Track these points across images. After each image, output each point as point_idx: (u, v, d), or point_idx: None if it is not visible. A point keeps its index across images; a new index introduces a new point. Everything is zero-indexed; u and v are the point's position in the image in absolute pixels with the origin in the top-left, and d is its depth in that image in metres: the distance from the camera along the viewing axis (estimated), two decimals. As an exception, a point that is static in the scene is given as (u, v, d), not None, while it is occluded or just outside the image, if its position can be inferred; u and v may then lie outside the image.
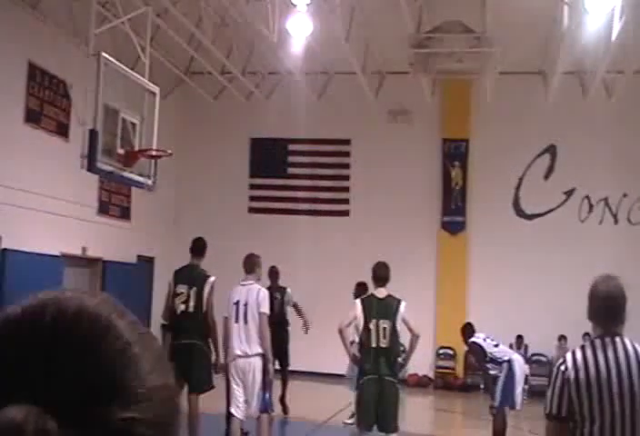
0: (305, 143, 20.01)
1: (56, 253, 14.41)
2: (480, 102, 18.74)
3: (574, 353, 3.94)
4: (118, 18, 12.25)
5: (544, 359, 18.05)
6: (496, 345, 10.65)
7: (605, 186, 18.69)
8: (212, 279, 9.27)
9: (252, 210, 20.34)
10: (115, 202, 17.18)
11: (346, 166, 20.04)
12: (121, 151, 10.70)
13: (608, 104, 18.06)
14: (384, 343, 8.18)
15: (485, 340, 10.68)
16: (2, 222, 12.91)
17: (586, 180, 18.78)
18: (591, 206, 19.06)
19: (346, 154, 20.02)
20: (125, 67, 10.99)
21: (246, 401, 8.80)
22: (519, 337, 17.77)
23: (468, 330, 11.00)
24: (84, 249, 15.79)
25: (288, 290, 12.78)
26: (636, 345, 3.92)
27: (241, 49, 17.31)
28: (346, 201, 19.98)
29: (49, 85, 14.49)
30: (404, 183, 19.42)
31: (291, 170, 20.35)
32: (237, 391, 8.81)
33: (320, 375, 17.18)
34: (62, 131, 14.78)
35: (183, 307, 9.20)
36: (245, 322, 8.78)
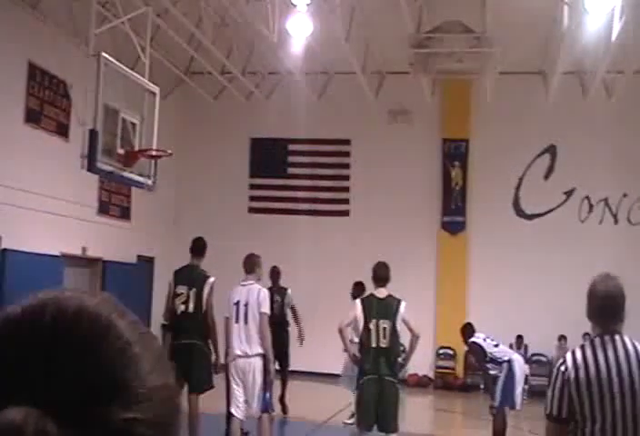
0: (304, 143, 20.01)
1: (56, 253, 14.41)
2: (480, 102, 18.74)
3: (573, 353, 3.93)
4: (118, 18, 12.25)
5: (544, 359, 18.05)
6: (496, 345, 10.65)
7: (605, 186, 18.69)
8: (211, 279, 9.27)
9: (252, 210, 20.34)
10: (114, 202, 17.18)
11: (346, 166, 20.05)
12: (121, 151, 10.70)
13: (608, 104, 18.06)
14: (384, 343, 8.18)
15: (484, 340, 10.68)
16: (2, 222, 12.91)
17: (586, 180, 18.78)
18: (591, 206, 19.06)
19: (346, 154, 20.02)
20: (124, 67, 10.99)
21: (246, 402, 8.80)
22: (519, 337, 17.77)
23: (468, 330, 11.00)
24: (84, 249, 15.79)
25: (289, 291, 12.78)
26: (636, 343, 3.90)
27: (241, 49, 17.31)
28: (346, 201, 19.98)
29: (49, 85, 14.49)
30: (404, 183, 19.42)
31: (291, 170, 20.35)
32: (237, 392, 8.81)
33: (320, 375, 17.16)
34: (62, 131, 14.78)
35: (183, 308, 9.21)
36: (246, 322, 8.78)
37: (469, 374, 18.25)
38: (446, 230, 19.45)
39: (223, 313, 8.97)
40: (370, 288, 9.05)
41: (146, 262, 18.42)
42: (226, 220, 19.67)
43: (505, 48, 15.44)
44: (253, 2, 13.80)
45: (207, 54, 16.67)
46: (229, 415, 9.04)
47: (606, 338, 3.90)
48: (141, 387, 0.76)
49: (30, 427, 0.70)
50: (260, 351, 8.79)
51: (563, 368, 3.88)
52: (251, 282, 8.98)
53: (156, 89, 11.75)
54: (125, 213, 17.58)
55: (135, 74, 11.31)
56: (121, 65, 10.83)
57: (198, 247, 9.62)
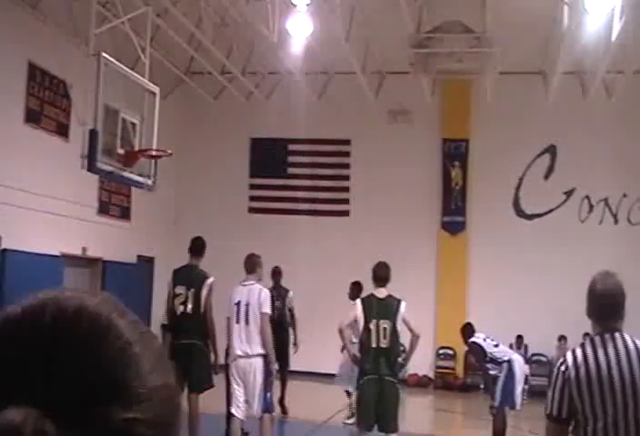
0: (304, 143, 20.01)
1: (56, 253, 14.41)
2: (480, 102, 18.74)
3: (573, 352, 3.92)
4: (118, 18, 12.25)
5: (544, 359, 18.05)
6: (496, 345, 10.65)
7: (604, 186, 18.69)
8: (210, 280, 9.25)
9: (252, 210, 20.34)
10: (114, 202, 17.18)
11: (346, 166, 20.05)
12: (121, 151, 10.70)
13: (608, 104, 18.06)
14: (384, 343, 8.18)
15: (484, 340, 10.68)
16: (2, 222, 12.91)
17: (586, 180, 18.78)
18: (591, 206, 19.06)
19: (346, 154, 20.02)
20: (124, 67, 10.99)
21: (247, 402, 8.80)
22: (519, 337, 17.77)
23: (468, 330, 11.00)
24: (84, 249, 15.79)
25: (290, 293, 12.77)
26: (637, 341, 3.89)
27: (241, 49, 17.31)
28: (346, 201, 19.98)
29: (49, 85, 14.49)
30: (404, 183, 19.42)
31: (291, 170, 20.35)
32: (238, 392, 8.81)
33: (320, 375, 17.15)
34: (62, 131, 14.78)
35: (182, 308, 9.21)
36: (247, 322, 8.77)
37: (469, 374, 18.25)
38: (446, 230, 19.45)
39: (223, 313, 8.97)
40: (369, 288, 9.05)
41: (146, 262, 18.43)
42: (226, 220, 19.67)
43: (505, 48, 15.44)
44: (253, 2, 13.80)
45: (207, 54, 16.67)
46: (229, 415, 9.04)
47: (606, 336, 3.88)
48: (141, 387, 0.76)
49: (29, 427, 0.70)
50: (261, 351, 8.78)
51: (563, 367, 3.87)
52: (252, 282, 8.97)
53: (156, 89, 11.75)
54: (124, 213, 17.58)
55: (134, 74, 11.31)
56: (121, 65, 10.83)
57: (197, 247, 9.60)
